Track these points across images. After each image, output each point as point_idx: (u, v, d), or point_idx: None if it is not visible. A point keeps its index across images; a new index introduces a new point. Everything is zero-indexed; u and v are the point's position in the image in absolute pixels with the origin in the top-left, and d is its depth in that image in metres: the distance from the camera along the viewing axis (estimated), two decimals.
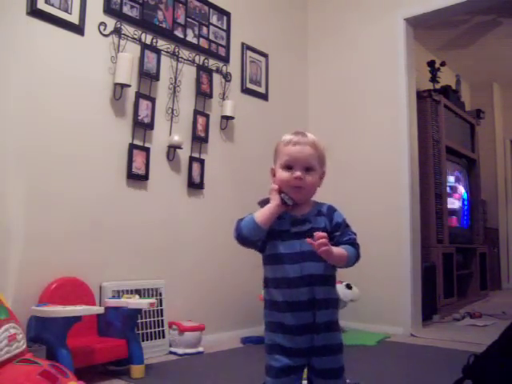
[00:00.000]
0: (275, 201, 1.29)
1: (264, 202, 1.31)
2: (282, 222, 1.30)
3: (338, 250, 1.24)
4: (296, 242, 1.28)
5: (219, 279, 3.16)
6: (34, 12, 2.33)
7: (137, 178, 2.74)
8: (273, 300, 1.30)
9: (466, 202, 5.27)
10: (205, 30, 3.21)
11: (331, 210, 1.35)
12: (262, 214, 1.27)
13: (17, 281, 2.20)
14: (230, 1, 3.40)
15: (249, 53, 3.53)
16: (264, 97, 3.65)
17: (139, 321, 2.54)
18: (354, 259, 1.29)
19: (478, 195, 5.59)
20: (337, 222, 1.32)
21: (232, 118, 3.27)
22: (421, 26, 3.89)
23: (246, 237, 1.28)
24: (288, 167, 1.30)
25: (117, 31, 2.69)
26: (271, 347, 1.29)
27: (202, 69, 3.13)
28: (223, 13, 3.34)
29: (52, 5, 2.40)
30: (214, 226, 3.16)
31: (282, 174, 1.31)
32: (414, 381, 2.24)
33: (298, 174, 1.28)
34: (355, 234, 1.33)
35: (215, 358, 2.65)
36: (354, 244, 1.30)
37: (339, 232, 1.31)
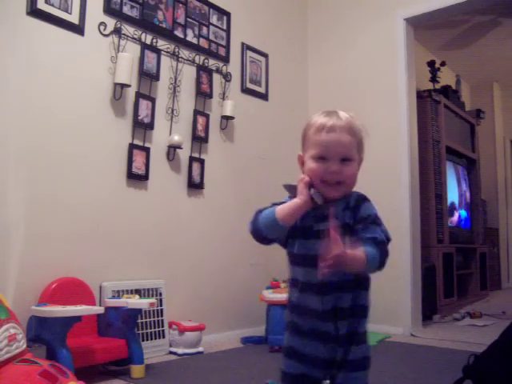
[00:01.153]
0: (303, 196, 1.08)
1: (291, 189, 1.12)
2: (304, 217, 1.12)
3: (354, 255, 1.00)
4: (317, 242, 1.06)
5: (219, 279, 3.16)
6: (34, 12, 2.33)
7: (137, 178, 2.74)
8: (291, 301, 1.18)
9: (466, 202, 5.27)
10: (205, 30, 3.21)
11: (359, 200, 1.12)
12: (284, 210, 1.08)
13: (17, 281, 2.20)
14: (230, 1, 3.39)
15: (249, 53, 3.53)
16: (264, 97, 3.65)
17: (139, 321, 2.54)
18: (376, 263, 1.05)
19: (478, 195, 5.59)
20: (361, 216, 1.10)
21: (232, 117, 3.27)
22: (421, 26, 3.89)
23: (261, 233, 1.11)
24: (321, 158, 1.10)
25: (117, 31, 2.68)
26: (287, 350, 1.17)
27: (201, 69, 3.13)
28: (223, 13, 3.34)
29: (52, 5, 2.40)
30: (214, 225, 3.16)
31: (314, 166, 1.10)
32: (414, 381, 2.24)
33: (334, 168, 1.09)
34: (384, 232, 1.09)
35: (215, 358, 2.65)
36: (378, 243, 1.06)
37: (362, 226, 1.09)
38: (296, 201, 1.09)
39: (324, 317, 1.10)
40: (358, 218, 1.10)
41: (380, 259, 1.06)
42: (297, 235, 1.14)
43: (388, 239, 1.10)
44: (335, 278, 1.06)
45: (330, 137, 1.10)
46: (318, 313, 1.10)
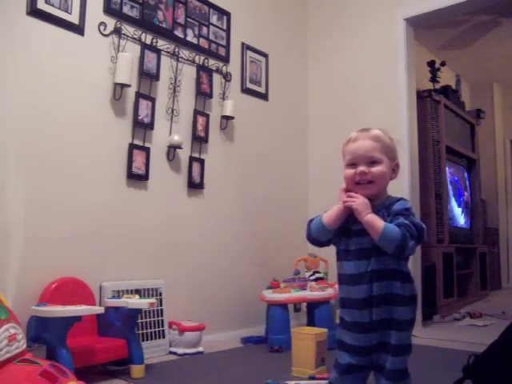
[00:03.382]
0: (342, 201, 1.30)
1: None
2: (347, 219, 1.31)
3: (375, 219, 1.22)
4: (355, 240, 1.29)
5: (219, 279, 3.16)
6: (34, 12, 2.33)
7: (137, 178, 2.74)
8: (339, 296, 1.34)
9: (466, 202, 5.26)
10: (205, 29, 3.21)
11: (394, 200, 1.30)
12: (329, 216, 1.30)
13: (17, 281, 2.20)
14: (230, 1, 3.39)
15: (249, 53, 3.53)
16: (264, 97, 3.65)
17: (139, 321, 2.54)
18: (394, 239, 1.19)
19: (478, 195, 5.59)
20: (393, 210, 1.26)
21: (232, 117, 3.27)
22: (421, 25, 3.89)
23: (314, 238, 1.32)
24: (352, 165, 1.31)
25: (117, 31, 2.68)
26: (338, 343, 1.33)
27: (202, 69, 3.13)
28: (223, 13, 3.34)
29: (52, 5, 2.40)
30: (214, 225, 3.16)
31: (347, 172, 1.32)
32: (413, 381, 2.23)
33: (361, 168, 1.28)
34: (412, 223, 1.22)
35: (215, 358, 2.65)
36: (399, 225, 1.20)
37: (391, 218, 1.25)
38: (337, 206, 1.30)
39: (361, 305, 1.25)
40: (392, 213, 1.26)
41: (399, 237, 1.18)
42: (342, 235, 1.32)
43: (416, 226, 1.21)
44: (368, 268, 1.24)
45: (355, 144, 1.32)
46: (357, 301, 1.25)
